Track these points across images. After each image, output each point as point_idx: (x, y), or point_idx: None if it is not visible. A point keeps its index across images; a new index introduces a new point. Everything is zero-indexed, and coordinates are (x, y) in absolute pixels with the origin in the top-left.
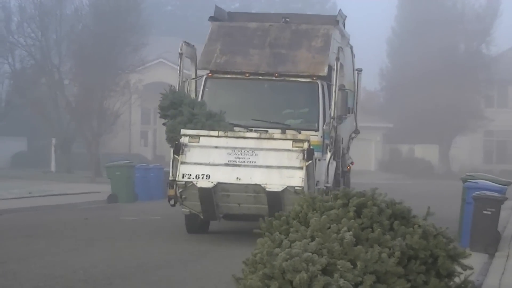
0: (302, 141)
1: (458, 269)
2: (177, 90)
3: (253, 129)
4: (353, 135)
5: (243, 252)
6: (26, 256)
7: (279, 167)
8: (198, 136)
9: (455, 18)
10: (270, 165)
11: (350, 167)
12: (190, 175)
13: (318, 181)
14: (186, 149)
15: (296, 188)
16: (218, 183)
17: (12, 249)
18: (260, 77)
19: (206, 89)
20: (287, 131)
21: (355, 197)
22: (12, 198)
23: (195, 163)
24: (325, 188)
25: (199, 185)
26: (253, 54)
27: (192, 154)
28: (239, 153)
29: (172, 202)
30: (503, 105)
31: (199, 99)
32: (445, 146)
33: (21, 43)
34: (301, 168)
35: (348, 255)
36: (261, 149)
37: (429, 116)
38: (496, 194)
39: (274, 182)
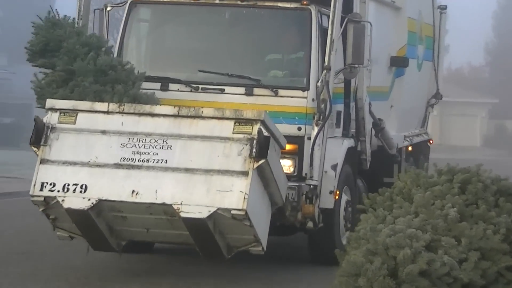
0: (251, 121)
1: None
2: (74, 21)
3: (200, 87)
4: (433, 100)
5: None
6: None
7: (206, 171)
8: (75, 111)
9: None
10: (191, 167)
11: (432, 142)
12: (54, 185)
13: (308, 175)
14: (52, 135)
15: (233, 212)
16: (100, 201)
17: None
18: (217, 1)
19: (130, 23)
20: (227, 111)
21: (460, 173)
22: None
23: (64, 163)
24: (310, 187)
25: (66, 205)
26: None
27: (61, 145)
28: (140, 143)
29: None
30: None
31: (118, 41)
32: None
33: None
34: (244, 173)
35: (452, 232)
36: (180, 137)
37: None
38: None
39: (196, 199)
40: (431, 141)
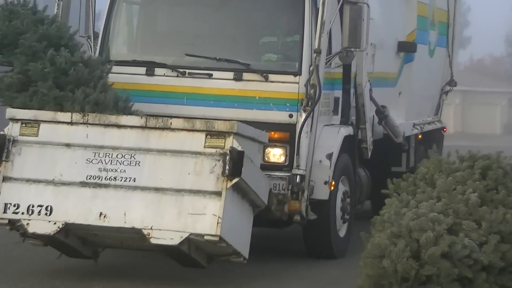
0: (224, 134)
1: None
2: (56, 9)
3: (187, 71)
4: (447, 87)
5: None
6: None
7: (177, 191)
8: (37, 122)
9: None
10: (161, 186)
11: (446, 130)
12: (18, 206)
13: (295, 164)
14: (14, 149)
15: (207, 238)
16: (67, 224)
17: None
18: None
19: (117, 6)
20: (197, 122)
21: (481, 159)
22: None
23: (27, 181)
24: (296, 180)
25: (31, 229)
26: None
27: (24, 161)
28: (106, 159)
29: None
30: None
31: (104, 24)
32: None
33: None
34: (217, 193)
35: (473, 216)
36: (148, 151)
37: None
38: None
39: (167, 224)
40: (445, 129)
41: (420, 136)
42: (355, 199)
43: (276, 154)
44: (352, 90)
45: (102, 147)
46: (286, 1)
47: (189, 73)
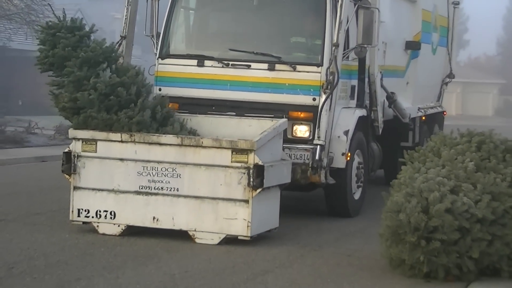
0: (246, 151)
1: None
2: (126, 13)
3: (230, 63)
4: (447, 79)
5: None
6: None
7: (213, 199)
8: (94, 140)
9: None
10: (200, 195)
11: (446, 113)
12: (88, 211)
13: (316, 136)
14: (79, 163)
15: (240, 238)
16: (128, 227)
17: None
18: None
19: (175, 10)
20: (223, 142)
21: (476, 136)
22: None
23: (93, 189)
24: (315, 157)
25: (101, 230)
26: None
27: (88, 173)
28: (154, 172)
29: None
30: None
31: (164, 25)
32: None
33: None
34: (245, 201)
35: (470, 180)
36: (186, 165)
37: None
38: None
39: (207, 227)
40: (445, 113)
41: (423, 118)
42: (368, 168)
43: (302, 130)
44: (366, 79)
45: (148, 161)
46: (311, 6)
47: (232, 64)
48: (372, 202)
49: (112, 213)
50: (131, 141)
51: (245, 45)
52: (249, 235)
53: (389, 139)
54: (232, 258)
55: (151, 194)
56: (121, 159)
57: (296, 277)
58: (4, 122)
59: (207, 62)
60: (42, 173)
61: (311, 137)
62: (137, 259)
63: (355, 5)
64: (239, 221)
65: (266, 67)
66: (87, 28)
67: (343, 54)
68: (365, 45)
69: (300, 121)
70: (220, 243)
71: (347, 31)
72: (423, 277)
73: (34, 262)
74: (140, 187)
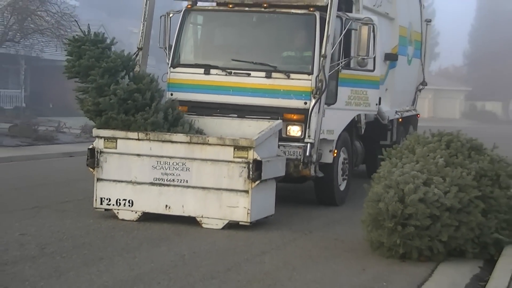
0: (246, 148)
1: None
2: (142, 28)
3: (233, 71)
4: (421, 86)
5: None
6: None
7: (217, 189)
8: (115, 138)
9: None
10: (206, 186)
11: (419, 116)
12: (109, 200)
13: (306, 135)
14: (101, 158)
15: (241, 223)
16: (144, 213)
17: None
18: (246, 9)
19: (185, 25)
20: (227, 140)
21: (446, 135)
22: None
23: (113, 181)
24: (306, 154)
25: (120, 216)
26: None
27: (109, 167)
28: (166, 166)
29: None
30: None
31: (175, 38)
32: (506, 102)
33: None
34: (245, 191)
35: (440, 173)
36: (194, 160)
37: (495, 83)
38: None
39: (212, 214)
40: (418, 115)
41: (400, 120)
42: (352, 163)
43: (294, 130)
44: None
45: (161, 156)
46: (303, 23)
47: (234, 73)
48: (356, 192)
49: (130, 201)
50: (146, 139)
51: (245, 56)
52: (248, 221)
53: (370, 138)
54: (234, 241)
55: (164, 185)
56: (138, 155)
57: (289, 258)
58: (36, 123)
59: (212, 71)
60: (70, 167)
61: (302, 136)
62: (152, 241)
63: (341, 21)
64: (240, 209)
65: (264, 75)
66: (108, 41)
67: (341, 63)
68: (365, 57)
69: (293, 122)
70: (223, 228)
71: (347, 44)
72: (399, 257)
73: (63, 243)
74: (154, 179)
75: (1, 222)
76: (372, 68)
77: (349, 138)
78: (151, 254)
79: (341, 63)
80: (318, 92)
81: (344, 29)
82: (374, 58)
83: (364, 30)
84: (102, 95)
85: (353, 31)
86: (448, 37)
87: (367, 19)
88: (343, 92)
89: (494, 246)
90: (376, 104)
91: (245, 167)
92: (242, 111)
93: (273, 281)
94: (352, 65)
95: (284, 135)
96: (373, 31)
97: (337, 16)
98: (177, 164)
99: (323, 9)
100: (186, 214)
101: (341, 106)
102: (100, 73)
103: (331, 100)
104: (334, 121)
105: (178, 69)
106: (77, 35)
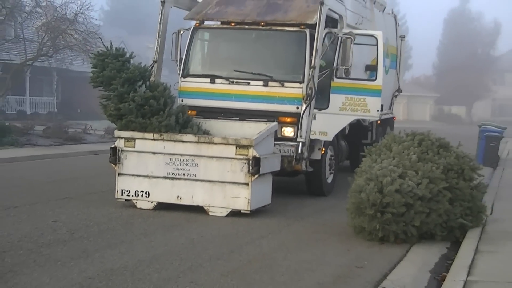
0: (246, 147)
1: (476, 176)
2: (157, 44)
3: (235, 81)
4: (396, 93)
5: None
6: None
7: (222, 182)
8: (133, 139)
9: (475, 35)
10: (212, 179)
11: (395, 118)
12: (129, 192)
13: (298, 135)
14: (122, 156)
15: (242, 211)
16: (159, 203)
17: None
18: (246, 27)
19: (193, 41)
20: (230, 139)
21: (418, 135)
22: None
23: (132, 175)
24: (298, 150)
25: (138, 206)
26: (248, 4)
27: (129, 163)
28: (177, 162)
29: None
30: (502, 83)
31: (185, 52)
32: (469, 107)
33: None
34: (246, 184)
35: (413, 168)
36: (202, 157)
37: (460, 90)
38: (497, 134)
39: (218, 203)
40: (394, 118)
41: (379, 122)
42: (338, 159)
43: (288, 131)
44: None
45: (174, 154)
46: (295, 39)
47: (236, 82)
48: (341, 184)
49: (147, 193)
50: (160, 139)
51: (246, 67)
52: (249, 209)
53: (353, 137)
54: (236, 227)
55: (176, 178)
56: (153, 153)
57: (284, 241)
58: (67, 125)
59: (217, 80)
60: (95, 163)
61: (295, 136)
62: (165, 227)
63: (329, 36)
64: (241, 199)
65: (262, 84)
66: (128, 55)
67: (325, 73)
68: (343, 66)
69: (287, 124)
70: (227, 215)
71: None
72: (378, 240)
73: (90, 229)
74: (168, 173)
75: (37, 210)
76: (374, 78)
77: (336, 138)
78: (165, 238)
79: (325, 73)
80: (308, 98)
81: (330, 43)
82: (377, 68)
83: (342, 42)
84: (122, 102)
85: (337, 45)
86: (419, 51)
87: (350, 33)
88: (337, 99)
89: (459, 230)
90: (378, 111)
91: (245, 163)
92: (243, 115)
93: (270, 261)
94: (352, 75)
95: (279, 135)
96: (374, 44)
97: (328, 32)
98: (187, 160)
99: (312, 26)
100: (195, 204)
101: (335, 111)
102: (120, 82)
103: (323, 105)
104: (327, 124)
105: (187, 79)
106: (101, 50)
